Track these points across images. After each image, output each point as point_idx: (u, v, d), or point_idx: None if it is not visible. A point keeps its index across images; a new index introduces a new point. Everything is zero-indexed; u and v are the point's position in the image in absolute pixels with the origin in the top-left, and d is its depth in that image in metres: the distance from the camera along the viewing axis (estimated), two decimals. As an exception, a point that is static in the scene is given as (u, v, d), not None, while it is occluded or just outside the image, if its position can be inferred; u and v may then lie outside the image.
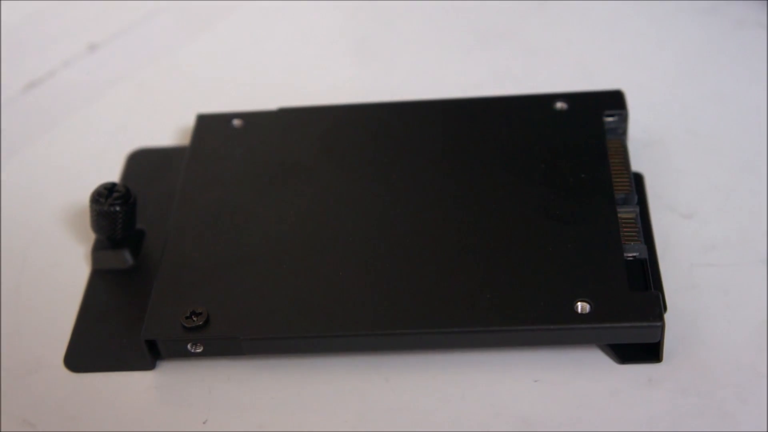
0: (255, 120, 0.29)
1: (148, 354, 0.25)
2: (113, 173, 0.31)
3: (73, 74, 0.35)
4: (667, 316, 0.24)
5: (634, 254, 0.25)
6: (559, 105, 0.28)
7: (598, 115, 0.28)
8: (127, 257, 0.27)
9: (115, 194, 0.26)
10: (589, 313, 0.23)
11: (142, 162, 0.31)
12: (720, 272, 0.26)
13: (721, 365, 0.24)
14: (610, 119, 0.28)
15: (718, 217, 0.28)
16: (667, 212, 0.28)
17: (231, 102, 0.33)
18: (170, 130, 0.32)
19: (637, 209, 0.26)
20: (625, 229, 0.25)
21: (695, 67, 0.33)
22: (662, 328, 0.23)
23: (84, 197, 0.28)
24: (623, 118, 0.28)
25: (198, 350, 0.25)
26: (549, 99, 0.28)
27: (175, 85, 0.34)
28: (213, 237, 0.26)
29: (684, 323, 0.25)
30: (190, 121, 0.31)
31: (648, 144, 0.30)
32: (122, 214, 0.27)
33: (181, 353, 0.25)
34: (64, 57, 0.36)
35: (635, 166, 0.28)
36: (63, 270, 0.28)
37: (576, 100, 0.28)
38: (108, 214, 0.26)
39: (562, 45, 0.33)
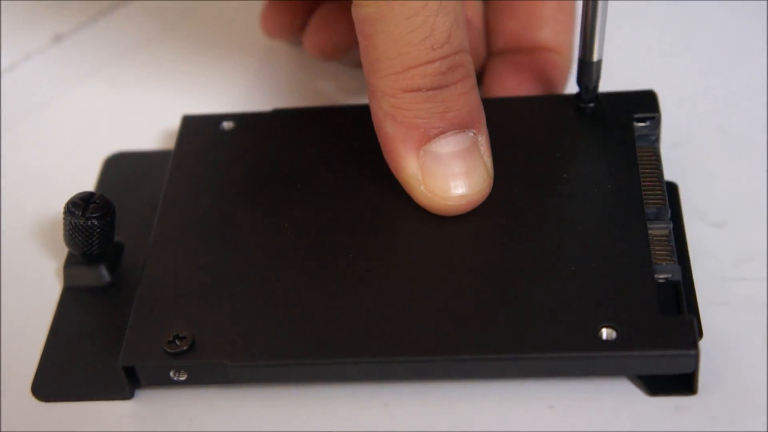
0: (247, 122, 0.29)
1: (125, 382, 0.25)
2: (87, 180, 0.30)
3: (37, 68, 0.35)
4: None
5: (667, 275, 0.24)
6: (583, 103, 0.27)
7: (627, 118, 0.27)
8: (103, 273, 0.27)
9: (93, 206, 0.26)
10: (614, 339, 0.23)
11: (120, 167, 0.30)
12: (754, 287, 0.26)
13: (756, 390, 0.24)
14: (641, 125, 0.27)
15: (752, 226, 0.27)
16: (696, 221, 0.27)
17: (220, 102, 0.32)
18: (152, 132, 0.32)
19: (671, 225, 0.25)
20: (656, 248, 0.24)
21: (726, 60, 0.32)
22: (697, 357, 0.23)
23: (55, 206, 0.28)
24: (656, 123, 0.27)
25: (181, 378, 0.24)
26: (571, 99, 0.28)
27: (156, 82, 0.34)
28: (199, 252, 0.26)
29: (714, 343, 0.24)
30: (174, 123, 0.30)
31: (675, 145, 0.29)
32: (99, 228, 0.26)
33: (162, 381, 0.24)
34: (26, 48, 0.35)
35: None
36: (31, 287, 0.28)
37: (602, 100, 0.27)
38: (84, 228, 0.26)
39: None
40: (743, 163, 0.29)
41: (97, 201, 0.26)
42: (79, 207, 0.26)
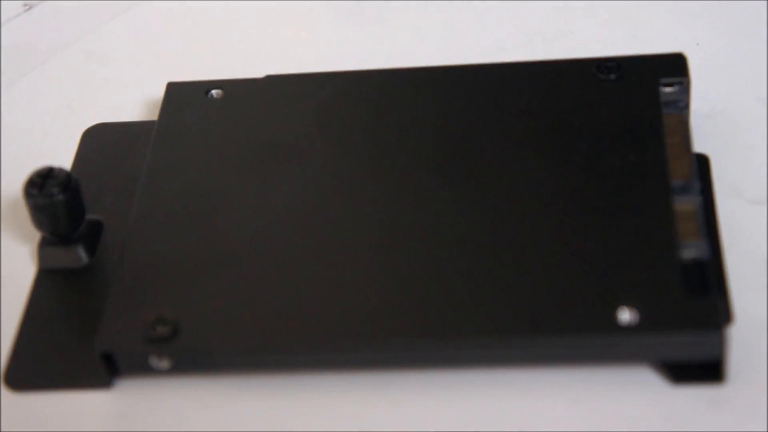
0: (237, 89, 0.29)
1: (103, 369, 0.24)
2: (66, 156, 0.30)
3: (6, 38, 0.34)
4: (733, 325, 0.23)
5: (693, 254, 0.24)
6: (605, 72, 0.27)
7: (653, 85, 0.27)
8: (80, 254, 0.27)
9: (51, 181, 0.26)
10: (635, 321, 0.23)
11: (100, 140, 0.30)
12: (798, 270, 0.25)
13: (800, 382, 0.23)
14: (668, 89, 0.27)
15: (794, 203, 0.27)
16: (733, 197, 0.27)
17: (207, 69, 0.32)
18: (135, 101, 0.32)
19: (699, 199, 0.25)
20: (682, 224, 0.24)
21: (765, 24, 0.32)
22: (722, 341, 0.23)
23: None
24: (685, 87, 0.27)
25: (164, 366, 0.24)
26: (591, 64, 0.28)
27: (138, 49, 0.34)
28: (184, 230, 0.26)
29: (753, 332, 0.24)
30: (158, 91, 0.30)
31: (709, 116, 0.29)
32: (62, 205, 0.26)
33: (143, 368, 0.24)
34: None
35: (694, 142, 0.27)
36: (4, 270, 0.28)
37: (626, 65, 0.27)
38: (45, 206, 0.26)
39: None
40: (784, 135, 0.28)
41: (56, 175, 0.26)
42: (37, 185, 0.26)
